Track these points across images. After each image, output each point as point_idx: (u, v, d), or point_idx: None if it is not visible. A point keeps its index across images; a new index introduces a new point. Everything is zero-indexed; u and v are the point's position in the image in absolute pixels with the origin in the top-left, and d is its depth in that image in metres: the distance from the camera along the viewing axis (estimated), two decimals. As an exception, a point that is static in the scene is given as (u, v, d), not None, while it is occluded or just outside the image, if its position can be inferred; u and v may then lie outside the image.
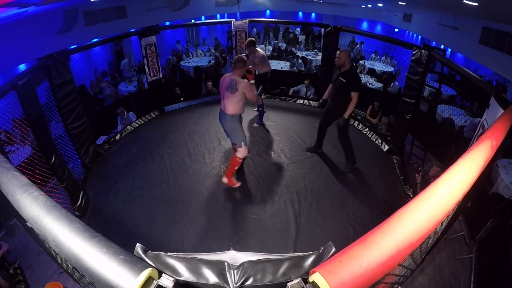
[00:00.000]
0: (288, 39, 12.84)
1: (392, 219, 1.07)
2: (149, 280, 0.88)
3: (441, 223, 1.42)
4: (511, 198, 3.30)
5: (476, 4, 5.01)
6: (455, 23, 7.87)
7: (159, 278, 0.92)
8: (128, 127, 5.16)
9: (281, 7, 14.45)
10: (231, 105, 3.26)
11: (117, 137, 4.91)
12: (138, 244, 1.07)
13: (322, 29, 5.74)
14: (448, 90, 8.04)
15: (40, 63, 3.40)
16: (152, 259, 1.02)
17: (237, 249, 2.74)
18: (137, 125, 5.27)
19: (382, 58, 10.50)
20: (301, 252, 2.40)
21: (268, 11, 15.28)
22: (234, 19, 6.04)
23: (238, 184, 3.65)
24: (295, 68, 8.56)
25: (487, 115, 2.70)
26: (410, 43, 4.39)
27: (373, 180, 3.97)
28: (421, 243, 1.19)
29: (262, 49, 4.83)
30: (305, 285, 0.90)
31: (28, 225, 1.26)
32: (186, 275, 0.99)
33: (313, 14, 15.91)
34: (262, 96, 5.10)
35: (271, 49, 11.43)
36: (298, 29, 14.55)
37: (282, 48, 11.33)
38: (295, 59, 8.96)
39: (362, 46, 10.99)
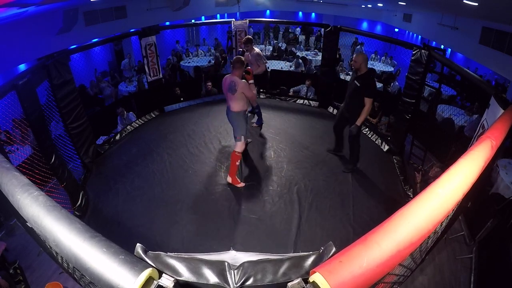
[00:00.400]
0: (288, 39, 12.85)
1: (392, 219, 1.07)
2: (150, 280, 0.88)
3: (441, 223, 1.42)
4: (511, 198, 3.29)
5: (476, 4, 5.01)
6: (455, 23, 7.87)
7: (159, 278, 0.92)
8: (128, 127, 5.16)
9: (281, 7, 14.47)
10: (234, 104, 3.48)
11: (117, 137, 4.92)
12: (138, 244, 1.07)
13: (322, 29, 5.74)
14: (448, 90, 8.04)
15: (40, 63, 3.40)
16: (152, 259, 1.02)
17: (237, 249, 2.74)
18: (137, 125, 5.27)
19: (382, 58, 10.52)
20: (301, 252, 2.41)
21: (268, 11, 15.30)
22: (234, 19, 6.04)
23: (241, 185, 3.67)
24: (299, 69, 8.47)
25: (487, 115, 2.70)
26: (410, 43, 4.38)
27: (373, 180, 3.96)
28: (421, 243, 1.19)
29: (262, 49, 4.84)
30: (306, 285, 0.91)
31: (28, 225, 1.26)
32: (186, 275, 0.99)
33: (313, 14, 15.94)
34: (261, 96, 5.10)
35: (271, 49, 11.43)
36: (298, 29, 14.56)
37: (282, 48, 11.33)
38: (298, 60, 8.83)
39: (362, 47, 10.99)
